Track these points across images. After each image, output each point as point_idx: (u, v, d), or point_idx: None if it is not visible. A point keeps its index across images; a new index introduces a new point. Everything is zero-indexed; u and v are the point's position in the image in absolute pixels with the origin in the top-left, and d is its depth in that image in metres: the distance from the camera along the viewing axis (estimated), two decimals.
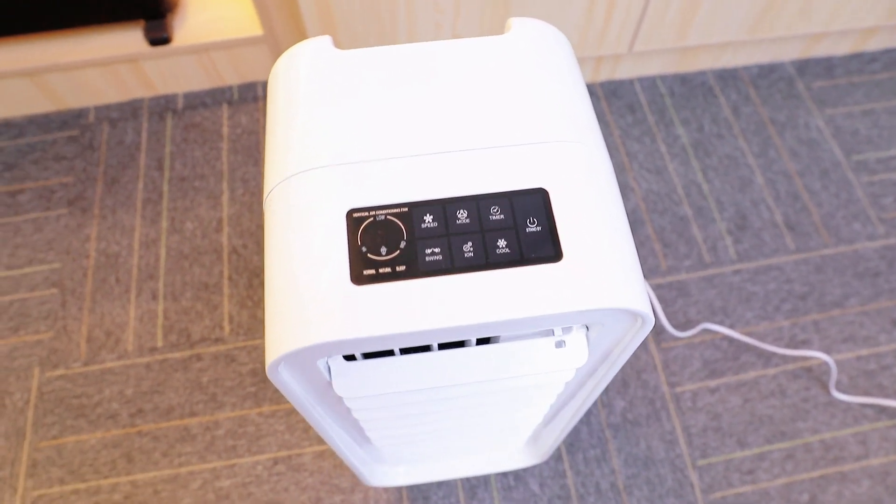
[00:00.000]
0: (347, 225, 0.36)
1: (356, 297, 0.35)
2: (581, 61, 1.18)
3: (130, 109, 1.22)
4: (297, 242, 0.37)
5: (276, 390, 0.97)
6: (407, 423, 0.57)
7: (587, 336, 0.44)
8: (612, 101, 1.22)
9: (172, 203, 1.13)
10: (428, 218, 0.36)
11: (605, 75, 1.23)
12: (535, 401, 0.54)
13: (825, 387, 0.96)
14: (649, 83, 1.24)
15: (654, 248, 1.08)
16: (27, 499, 0.91)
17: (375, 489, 0.91)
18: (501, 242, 0.36)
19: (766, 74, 1.24)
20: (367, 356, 0.43)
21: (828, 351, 0.98)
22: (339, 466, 0.92)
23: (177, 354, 1.00)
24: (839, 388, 0.96)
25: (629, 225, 0.46)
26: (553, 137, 0.40)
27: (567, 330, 0.43)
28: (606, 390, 0.97)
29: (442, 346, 0.44)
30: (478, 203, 0.37)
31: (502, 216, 0.37)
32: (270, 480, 0.92)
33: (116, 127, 1.20)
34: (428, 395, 0.50)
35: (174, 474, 0.92)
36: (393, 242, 0.36)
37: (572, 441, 0.94)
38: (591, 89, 1.23)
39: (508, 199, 0.37)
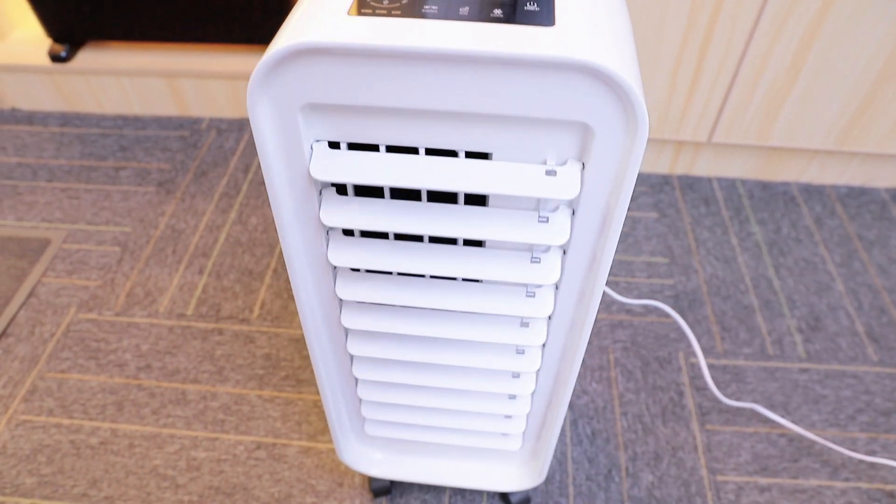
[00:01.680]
0: None
1: (352, 21, 0.36)
2: (660, 148, 1.20)
3: (238, 124, 1.36)
4: None
5: (283, 377, 0.93)
6: (389, 319, 0.52)
7: (581, 174, 0.40)
8: (687, 192, 1.21)
9: (246, 200, 1.20)
10: None
11: (682, 168, 1.23)
12: (529, 274, 0.49)
13: None
14: (728, 183, 1.22)
15: (711, 328, 0.99)
16: (13, 420, 0.89)
17: (351, 499, 0.81)
18: (497, 11, 0.36)
19: (857, 196, 1.19)
20: (352, 147, 0.42)
21: None
22: (321, 468, 0.84)
23: (201, 324, 1.00)
24: None
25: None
26: None
27: (561, 162, 0.40)
28: (634, 458, 0.85)
29: (430, 152, 0.42)
30: None
31: None
32: (247, 463, 0.85)
33: (221, 135, 1.33)
34: (411, 256, 0.47)
35: (155, 433, 0.88)
36: None
37: None
38: (668, 180, 1.23)
39: None
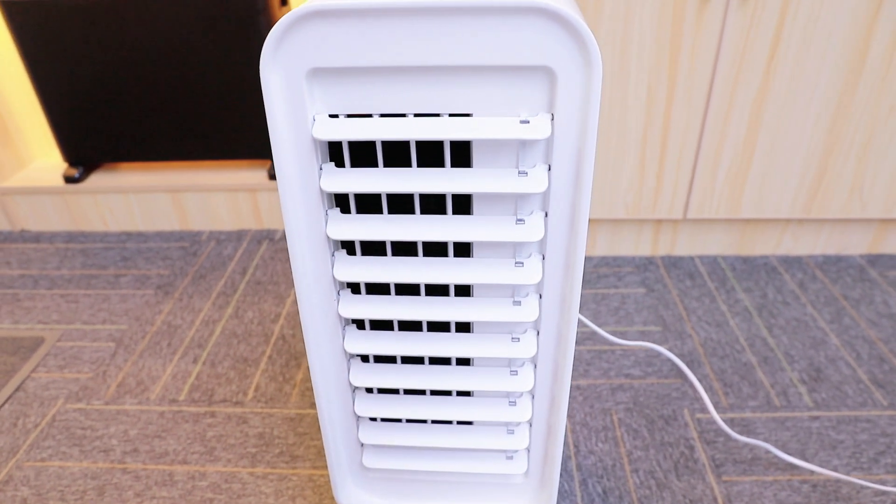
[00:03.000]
0: None
1: None
2: (639, 228, 1.26)
3: (237, 235, 1.42)
4: None
5: (277, 454, 0.89)
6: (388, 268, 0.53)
7: (551, 123, 0.45)
8: (672, 269, 1.25)
9: (242, 297, 1.22)
10: None
11: (664, 249, 1.28)
12: (518, 209, 0.51)
13: None
14: (709, 260, 1.27)
15: (713, 384, 0.97)
16: None
17: None
18: None
19: (834, 263, 1.24)
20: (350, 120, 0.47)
21: None
22: None
23: (193, 408, 0.97)
24: None
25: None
26: None
27: (533, 114, 0.45)
28: None
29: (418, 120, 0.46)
30: None
31: None
32: None
33: (220, 244, 1.39)
34: (402, 179, 0.50)
35: None
36: None
37: None
38: (652, 261, 1.28)
39: None
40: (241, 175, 1.40)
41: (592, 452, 0.88)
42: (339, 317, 0.55)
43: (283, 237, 1.40)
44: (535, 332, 0.55)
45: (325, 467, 0.87)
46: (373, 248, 0.54)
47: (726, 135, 1.12)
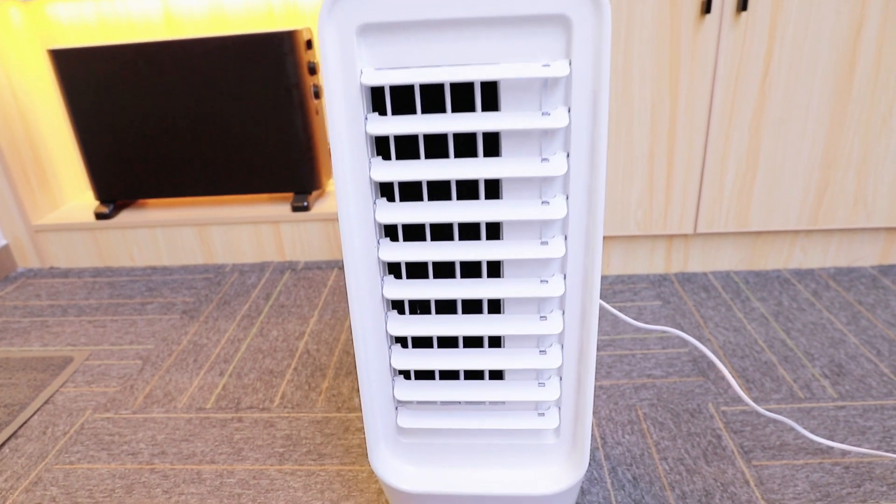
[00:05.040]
0: None
1: None
2: (652, 245, 1.30)
3: (260, 267, 1.46)
4: None
5: (304, 452, 0.89)
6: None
7: (569, 66, 0.50)
8: (686, 284, 1.27)
9: (267, 319, 1.24)
10: None
11: (677, 266, 1.31)
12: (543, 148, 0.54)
13: None
14: (722, 275, 1.29)
15: (736, 382, 0.98)
16: None
17: None
18: None
19: (846, 274, 1.26)
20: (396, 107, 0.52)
21: None
22: None
23: (220, 415, 0.98)
24: None
25: None
26: None
27: (553, 60, 0.50)
28: (683, 497, 0.78)
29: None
30: None
31: None
32: None
33: (244, 275, 1.43)
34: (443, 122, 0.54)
35: None
36: None
37: None
38: (666, 277, 1.30)
39: None
40: (264, 209, 1.46)
41: (620, 443, 0.88)
42: (379, 262, 0.58)
43: (306, 268, 1.44)
44: (563, 276, 0.58)
45: (353, 463, 0.87)
46: (411, 194, 0.58)
47: (729, 149, 1.17)
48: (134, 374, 1.10)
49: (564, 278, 0.57)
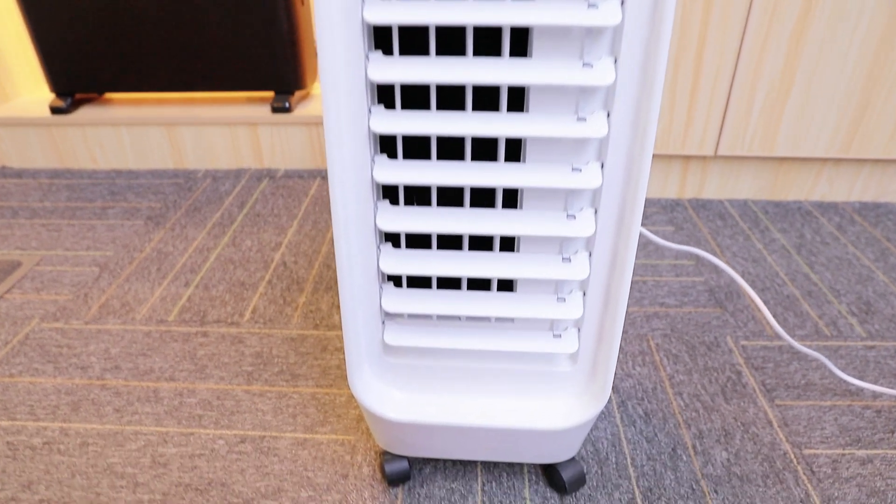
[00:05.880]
0: None
1: None
2: (667, 166, 1.19)
3: (235, 173, 1.33)
4: None
5: (276, 372, 0.79)
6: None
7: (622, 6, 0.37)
8: (700, 211, 1.17)
9: (241, 228, 1.13)
10: None
11: (692, 191, 1.21)
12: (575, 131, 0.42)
13: None
14: (739, 203, 1.19)
15: (755, 314, 0.89)
16: None
17: (358, 491, 0.64)
18: None
19: (872, 209, 1.16)
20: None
21: None
22: (320, 459, 0.68)
23: (183, 329, 0.88)
24: None
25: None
26: None
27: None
28: (700, 435, 0.70)
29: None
30: None
31: None
32: (227, 458, 0.68)
33: (217, 181, 1.30)
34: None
35: (115, 430, 0.72)
36: None
37: (650, 486, 0.65)
38: (679, 203, 1.20)
39: None
40: (241, 109, 1.32)
41: (630, 375, 0.79)
42: (373, 182, 0.46)
43: (286, 176, 1.31)
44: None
45: (331, 386, 0.77)
46: (415, 102, 0.45)
47: (763, 65, 1.04)
48: (89, 282, 0.98)
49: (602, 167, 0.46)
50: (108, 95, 1.41)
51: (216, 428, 0.72)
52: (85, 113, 1.33)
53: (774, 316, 0.89)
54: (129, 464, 0.68)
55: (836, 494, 0.64)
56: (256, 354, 0.83)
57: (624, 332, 0.86)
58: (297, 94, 1.32)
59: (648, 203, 1.20)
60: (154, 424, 0.73)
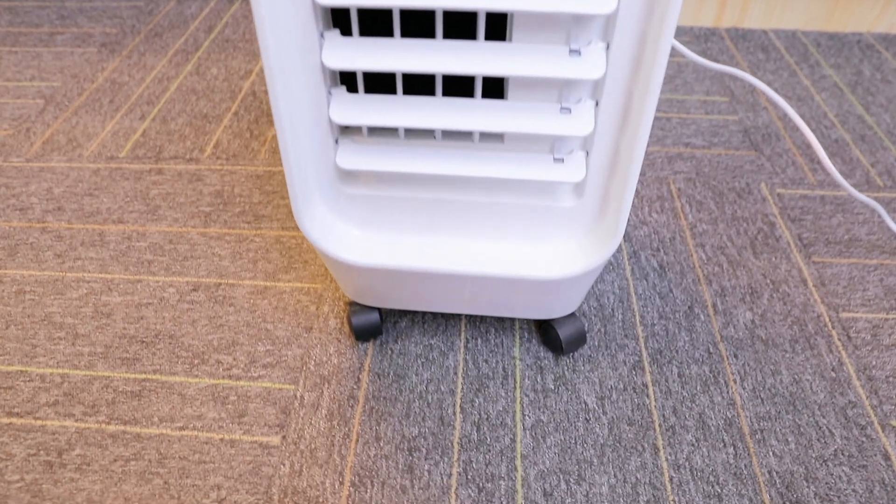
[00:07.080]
0: None
1: None
2: None
3: None
4: None
5: (237, 213, 0.69)
6: None
7: None
8: (740, 42, 1.00)
9: (207, 55, 0.98)
10: None
11: (731, 20, 1.03)
12: None
13: None
14: (787, 34, 1.01)
15: (796, 160, 0.76)
16: None
17: (323, 346, 0.57)
18: None
19: None
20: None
21: None
22: (281, 310, 0.60)
23: (135, 166, 0.77)
24: None
25: None
26: None
27: None
28: (721, 293, 0.61)
29: None
30: None
31: None
32: (177, 307, 0.60)
33: (182, 4, 1.13)
34: None
35: (55, 277, 0.63)
36: None
37: (661, 348, 0.57)
38: (714, 32, 1.02)
39: None
40: None
41: (645, 223, 0.68)
42: None
43: None
44: None
45: (297, 228, 0.68)
46: None
47: None
48: (32, 115, 0.86)
49: None
50: None
51: (167, 275, 0.63)
52: None
53: (819, 163, 0.76)
54: (70, 313, 0.60)
55: (873, 363, 0.55)
56: (216, 193, 0.73)
57: (641, 173, 0.74)
58: None
59: (679, 32, 1.03)
60: (98, 271, 0.64)
